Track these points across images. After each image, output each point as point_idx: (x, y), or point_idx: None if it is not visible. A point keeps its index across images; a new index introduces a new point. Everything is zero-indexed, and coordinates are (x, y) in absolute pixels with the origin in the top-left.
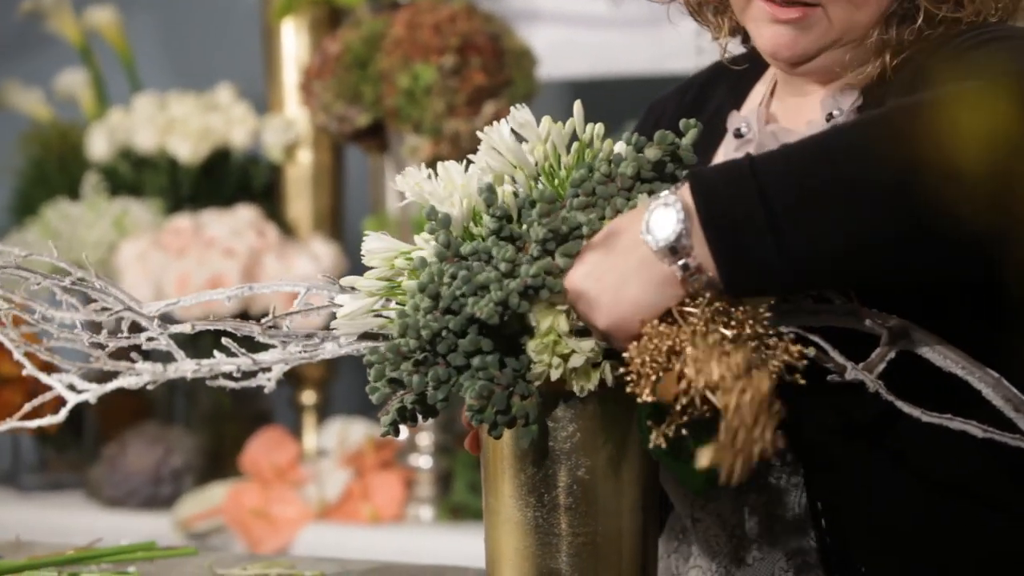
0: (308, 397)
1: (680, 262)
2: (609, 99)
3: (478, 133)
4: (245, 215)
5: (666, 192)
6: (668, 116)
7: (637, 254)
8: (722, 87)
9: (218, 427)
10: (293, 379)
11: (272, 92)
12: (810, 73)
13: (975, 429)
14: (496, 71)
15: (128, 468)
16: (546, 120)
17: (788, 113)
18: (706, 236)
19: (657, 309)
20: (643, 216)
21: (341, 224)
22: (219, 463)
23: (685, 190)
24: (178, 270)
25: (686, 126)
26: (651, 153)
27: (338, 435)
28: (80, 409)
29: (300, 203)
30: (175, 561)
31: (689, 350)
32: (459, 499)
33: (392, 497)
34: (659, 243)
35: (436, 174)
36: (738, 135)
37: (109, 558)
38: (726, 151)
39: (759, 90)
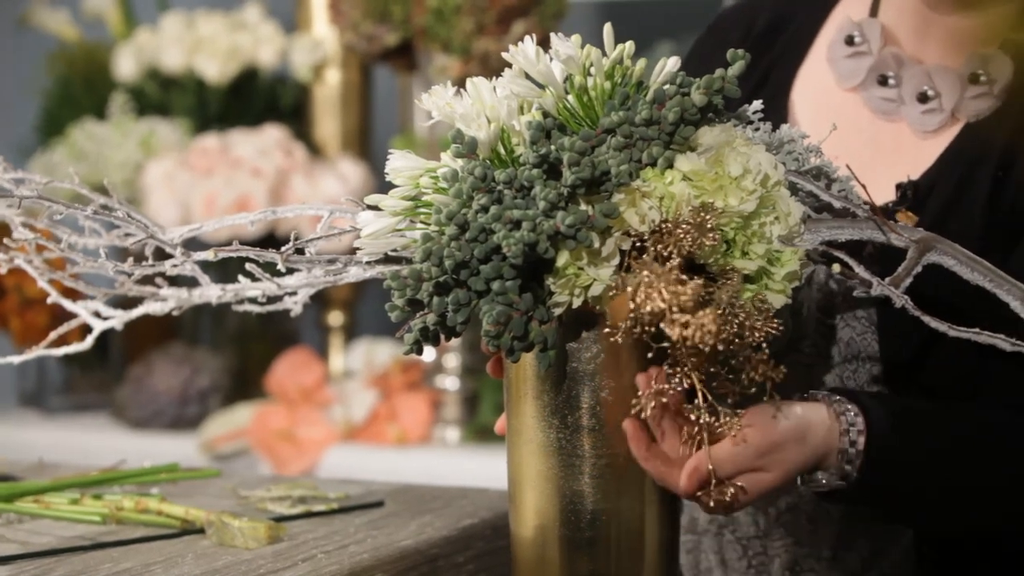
0: (335, 318)
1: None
2: (639, 19)
3: (503, 55)
4: (272, 135)
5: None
6: (738, 38)
7: None
8: (801, 4)
9: (245, 348)
10: (320, 300)
11: (300, 11)
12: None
13: (1004, 343)
14: None
15: (154, 389)
16: (577, 41)
17: (909, 37)
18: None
19: None
20: None
21: (369, 144)
22: (245, 384)
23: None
24: (205, 190)
25: (733, 56)
26: (698, 98)
27: (365, 356)
28: (106, 331)
29: (328, 123)
30: (198, 483)
31: (645, 275)
32: (485, 421)
33: (418, 419)
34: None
35: (465, 92)
36: (850, 42)
37: (132, 479)
38: (836, 55)
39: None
